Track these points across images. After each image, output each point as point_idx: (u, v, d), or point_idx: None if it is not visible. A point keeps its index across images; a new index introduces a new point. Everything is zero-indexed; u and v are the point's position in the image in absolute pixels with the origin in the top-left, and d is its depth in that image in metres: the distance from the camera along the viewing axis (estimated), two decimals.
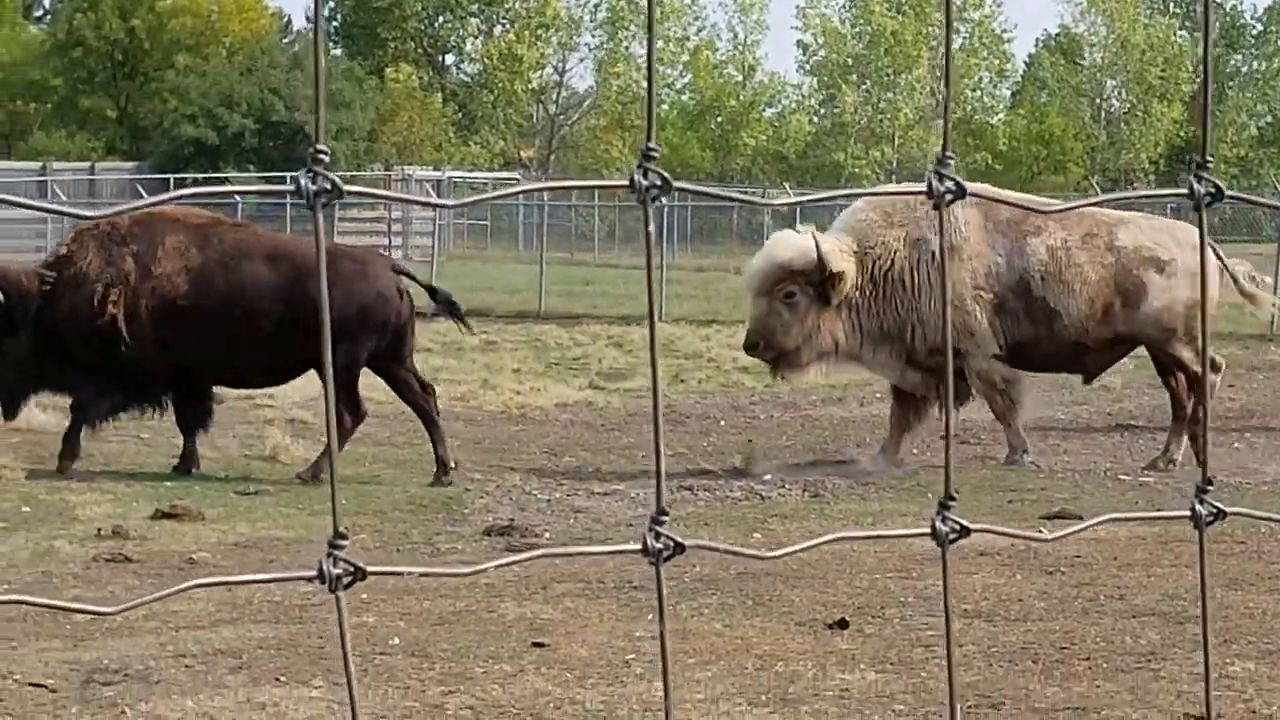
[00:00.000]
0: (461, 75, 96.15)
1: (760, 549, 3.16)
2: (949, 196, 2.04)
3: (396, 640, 11.00)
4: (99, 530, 14.86)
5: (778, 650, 10.90)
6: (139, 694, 9.84)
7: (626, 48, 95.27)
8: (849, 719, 9.46)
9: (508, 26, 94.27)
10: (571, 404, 24.19)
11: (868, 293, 18.56)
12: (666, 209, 45.98)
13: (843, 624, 11.55)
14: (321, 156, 1.82)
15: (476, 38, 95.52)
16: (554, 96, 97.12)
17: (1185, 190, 2.32)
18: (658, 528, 2.16)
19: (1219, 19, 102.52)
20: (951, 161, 2.06)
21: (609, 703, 9.74)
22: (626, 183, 1.96)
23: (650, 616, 11.82)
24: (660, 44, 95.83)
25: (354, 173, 71.13)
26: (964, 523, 2.32)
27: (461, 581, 12.01)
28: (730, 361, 29.29)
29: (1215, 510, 2.38)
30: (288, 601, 11.78)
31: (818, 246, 18.02)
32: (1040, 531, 14.07)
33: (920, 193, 2.04)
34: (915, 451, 19.54)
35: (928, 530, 2.35)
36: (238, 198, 44.53)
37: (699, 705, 9.68)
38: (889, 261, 18.54)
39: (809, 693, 9.94)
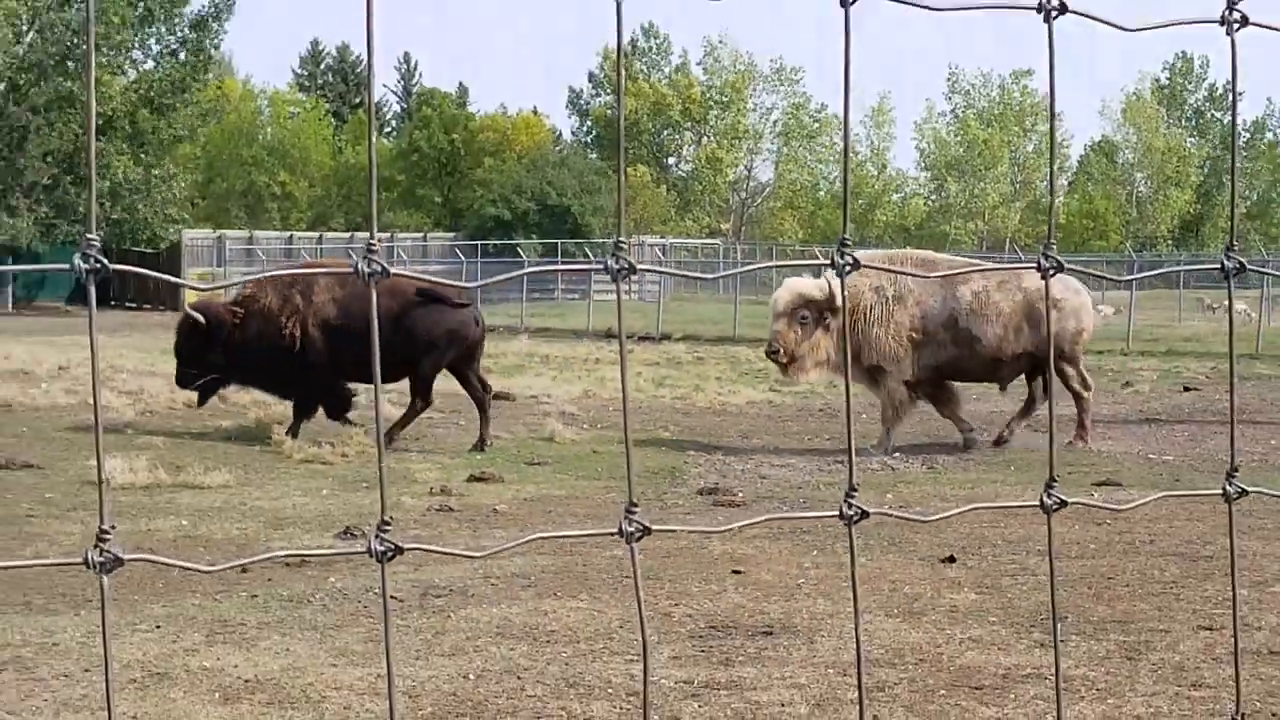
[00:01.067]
0: (679, 172, 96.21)
1: (910, 509, 3.17)
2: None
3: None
4: (430, 489, 14.99)
5: (904, 577, 10.83)
6: (459, 604, 9.92)
7: (795, 152, 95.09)
8: (956, 627, 9.37)
9: (711, 138, 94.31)
10: (757, 401, 24.16)
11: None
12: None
13: (951, 559, 11.46)
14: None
15: (690, 146, 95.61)
16: (744, 185, 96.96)
17: (1218, 265, 2.31)
18: (850, 498, 2.14)
19: (1219, 129, 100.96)
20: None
21: (786, 612, 9.71)
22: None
23: (815, 552, 11.78)
24: (820, 149, 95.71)
25: (603, 240, 71.43)
26: (1063, 496, 2.30)
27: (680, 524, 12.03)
28: None
29: (1240, 489, 2.35)
30: (560, 540, 11.84)
31: (830, 286, 18.29)
32: (1092, 496, 13.92)
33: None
34: (987, 434, 19.37)
35: (1036, 503, 2.33)
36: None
37: (850, 616, 9.63)
38: (857, 300, 18.71)
39: (928, 608, 9.87)
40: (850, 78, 2.07)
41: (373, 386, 19.56)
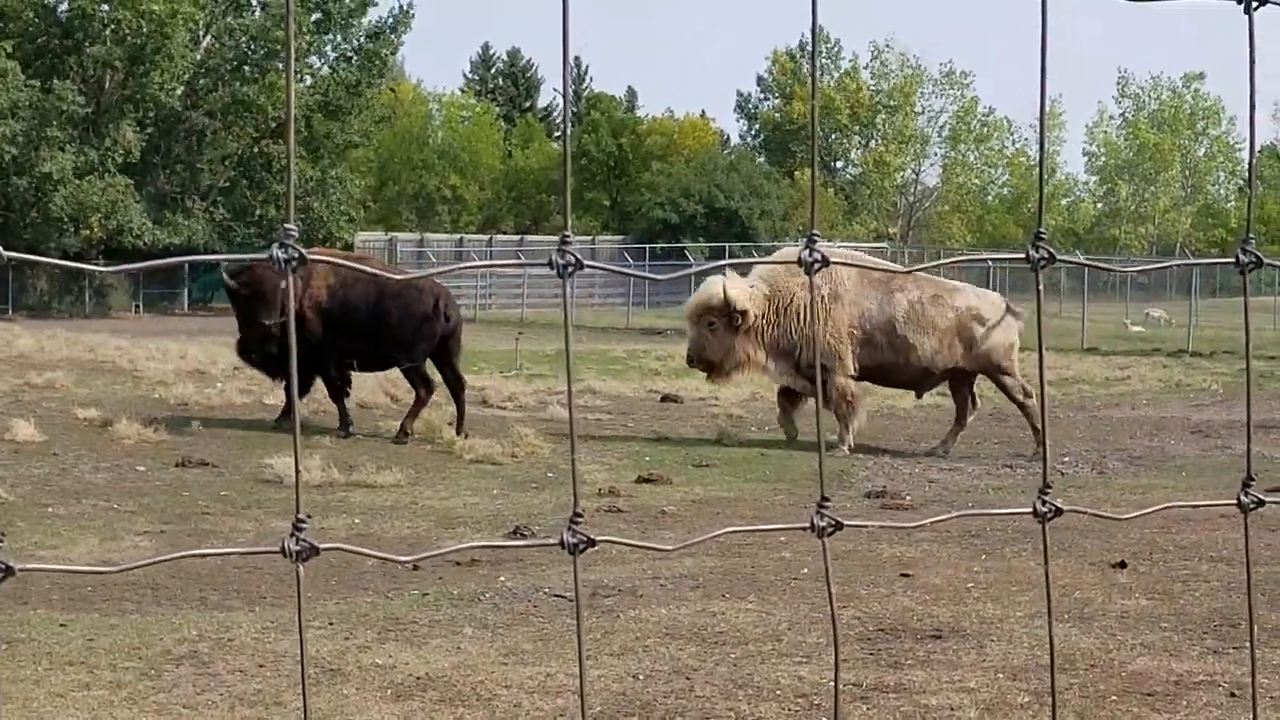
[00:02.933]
0: (847, 175, 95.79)
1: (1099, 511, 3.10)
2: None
3: (805, 570, 10.99)
4: (599, 489, 15.07)
5: (1075, 582, 10.69)
6: (628, 604, 9.96)
7: (963, 156, 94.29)
8: (1127, 633, 9.23)
9: (880, 142, 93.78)
10: (925, 405, 23.91)
11: (772, 321, 19.03)
12: (991, 268, 45.15)
13: (1122, 565, 11.30)
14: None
15: (858, 150, 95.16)
16: (911, 190, 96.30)
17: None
18: (1043, 496, 2.12)
19: None
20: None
21: (955, 616, 9.63)
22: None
23: (984, 556, 11.67)
24: (989, 152, 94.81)
25: (772, 243, 71.35)
26: (1262, 496, 2.25)
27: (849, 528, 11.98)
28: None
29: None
30: (727, 540, 11.83)
31: (725, 291, 18.63)
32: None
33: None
34: (1170, 444, 19.07)
35: (1233, 501, 2.28)
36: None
37: (1020, 620, 9.53)
38: (789, 299, 18.95)
39: (1098, 613, 9.74)
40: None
41: (373, 371, 19.70)
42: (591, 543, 1.93)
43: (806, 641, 8.96)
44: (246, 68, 62.60)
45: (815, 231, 2.06)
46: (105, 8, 58.14)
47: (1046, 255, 2.16)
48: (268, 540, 12.21)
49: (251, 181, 62.50)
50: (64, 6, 60.66)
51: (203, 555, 2.21)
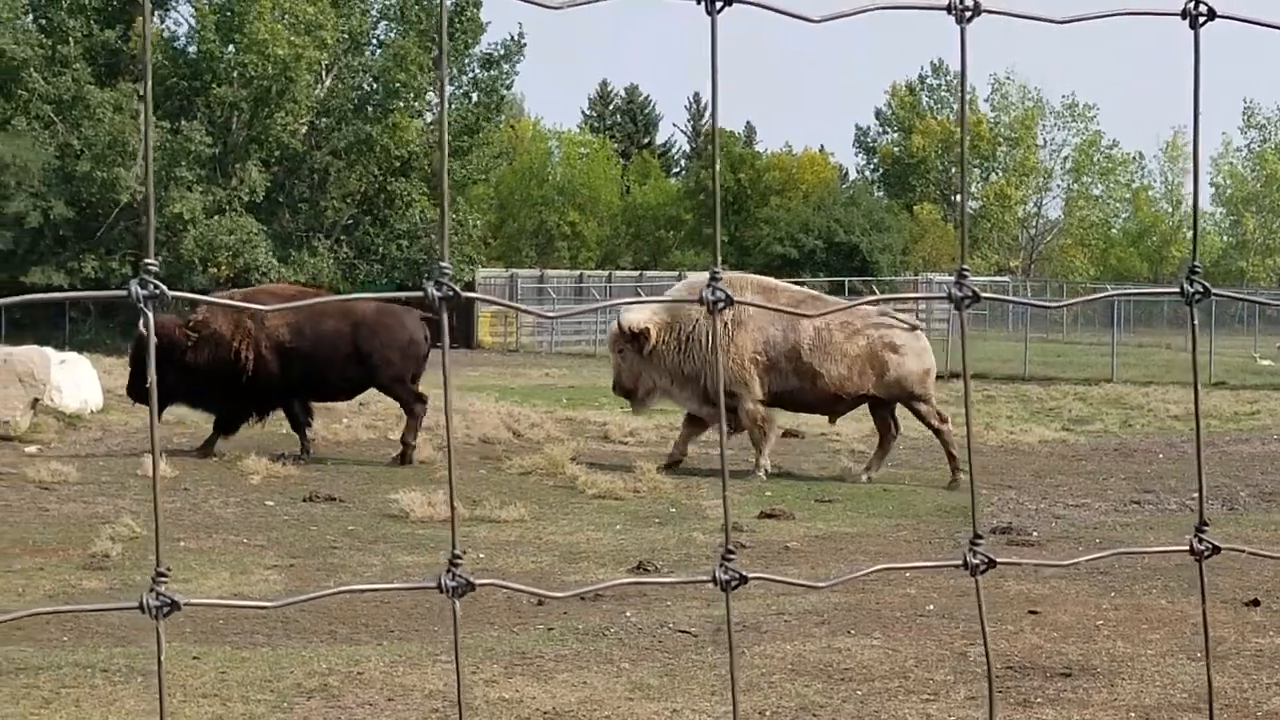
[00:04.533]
0: (967, 209, 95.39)
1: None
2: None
3: (931, 606, 10.92)
4: (720, 525, 15.04)
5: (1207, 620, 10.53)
6: (752, 640, 9.93)
7: (1085, 189, 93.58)
8: (1262, 672, 9.10)
9: (1000, 175, 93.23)
10: (1050, 440, 23.75)
11: (673, 348, 19.17)
12: (1117, 302, 44.74)
13: (1255, 603, 11.13)
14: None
15: (978, 183, 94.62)
16: (1033, 223, 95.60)
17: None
18: (1200, 534, 2.09)
19: None
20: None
21: (1085, 654, 9.53)
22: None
23: (1113, 594, 11.53)
24: (1114, 185, 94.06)
25: (891, 278, 71.12)
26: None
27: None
28: (1165, 411, 28.48)
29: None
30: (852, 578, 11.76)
31: (619, 321, 19.25)
32: None
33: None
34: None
35: None
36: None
37: (1151, 658, 9.42)
38: (692, 326, 19.07)
39: (1232, 652, 9.60)
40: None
41: (328, 400, 20.02)
42: (744, 579, 1.93)
43: (934, 679, 8.90)
44: (369, 107, 63.28)
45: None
46: (232, 50, 59.08)
47: (1201, 290, 2.14)
48: (397, 575, 12.32)
49: (375, 219, 63.13)
50: (192, 49, 61.71)
51: (361, 590, 2.24)
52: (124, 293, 1.79)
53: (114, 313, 58.69)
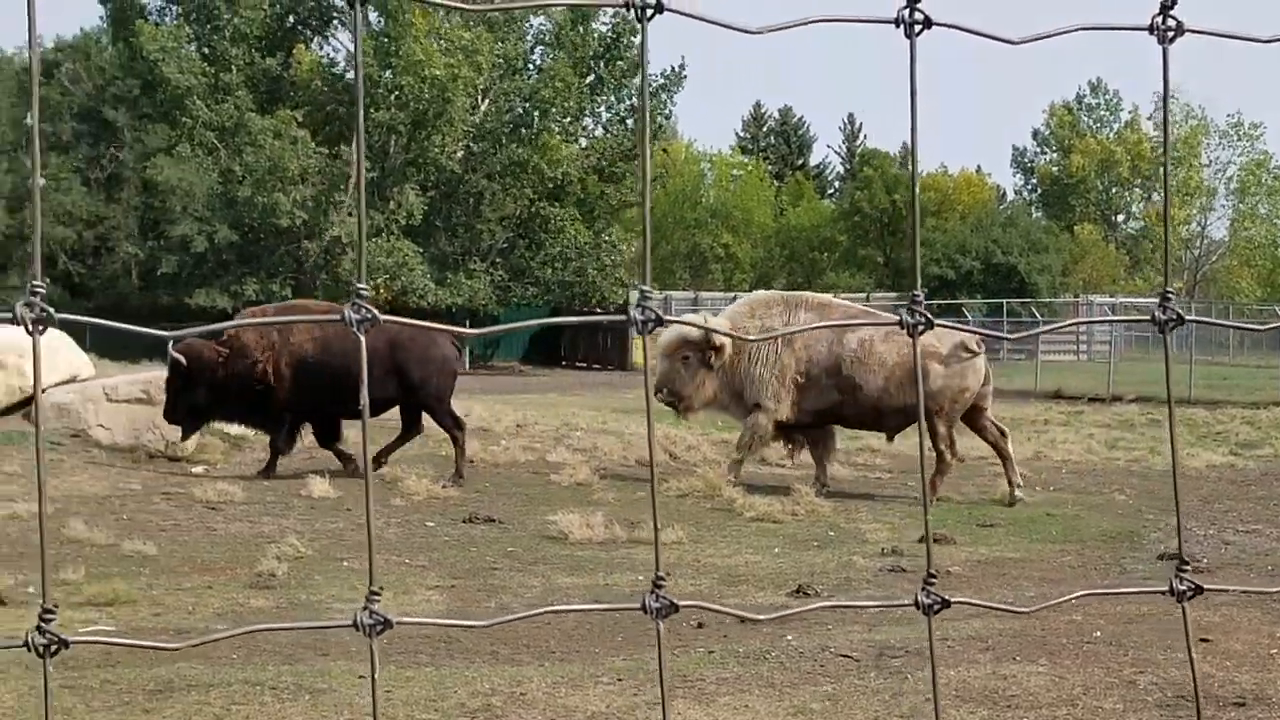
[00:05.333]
0: (1129, 229, 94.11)
1: None
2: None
3: (1098, 633, 10.79)
4: (881, 549, 14.96)
5: None
6: (915, 665, 9.86)
7: (1251, 209, 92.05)
8: None
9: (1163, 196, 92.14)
10: (1218, 465, 23.32)
11: (732, 361, 19.26)
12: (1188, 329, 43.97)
13: None
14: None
15: (1140, 203, 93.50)
16: (1197, 243, 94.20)
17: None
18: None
19: None
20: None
21: (1259, 683, 9.36)
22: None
23: None
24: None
25: (1050, 299, 70.36)
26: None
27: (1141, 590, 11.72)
28: None
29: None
30: (1016, 601, 11.65)
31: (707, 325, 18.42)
32: None
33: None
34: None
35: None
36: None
37: None
38: (743, 342, 18.93)
39: None
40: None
41: (355, 418, 20.15)
42: (946, 604, 1.93)
43: (1103, 707, 8.79)
44: (523, 130, 63.83)
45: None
46: (389, 74, 59.86)
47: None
48: (557, 597, 12.40)
49: (530, 242, 63.63)
50: (350, 74, 62.62)
51: (564, 611, 2.26)
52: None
53: None
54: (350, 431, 20.25)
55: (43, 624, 1.71)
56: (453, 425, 19.91)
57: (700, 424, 22.01)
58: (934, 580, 1.94)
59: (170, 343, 19.90)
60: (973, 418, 19.48)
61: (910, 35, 1.90)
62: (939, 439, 19.04)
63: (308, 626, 1.88)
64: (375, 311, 1.81)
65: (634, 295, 65.23)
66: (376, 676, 1.86)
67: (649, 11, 1.85)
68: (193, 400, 19.41)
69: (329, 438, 20.13)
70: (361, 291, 1.80)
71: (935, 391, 18.92)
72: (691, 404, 19.69)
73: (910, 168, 2.08)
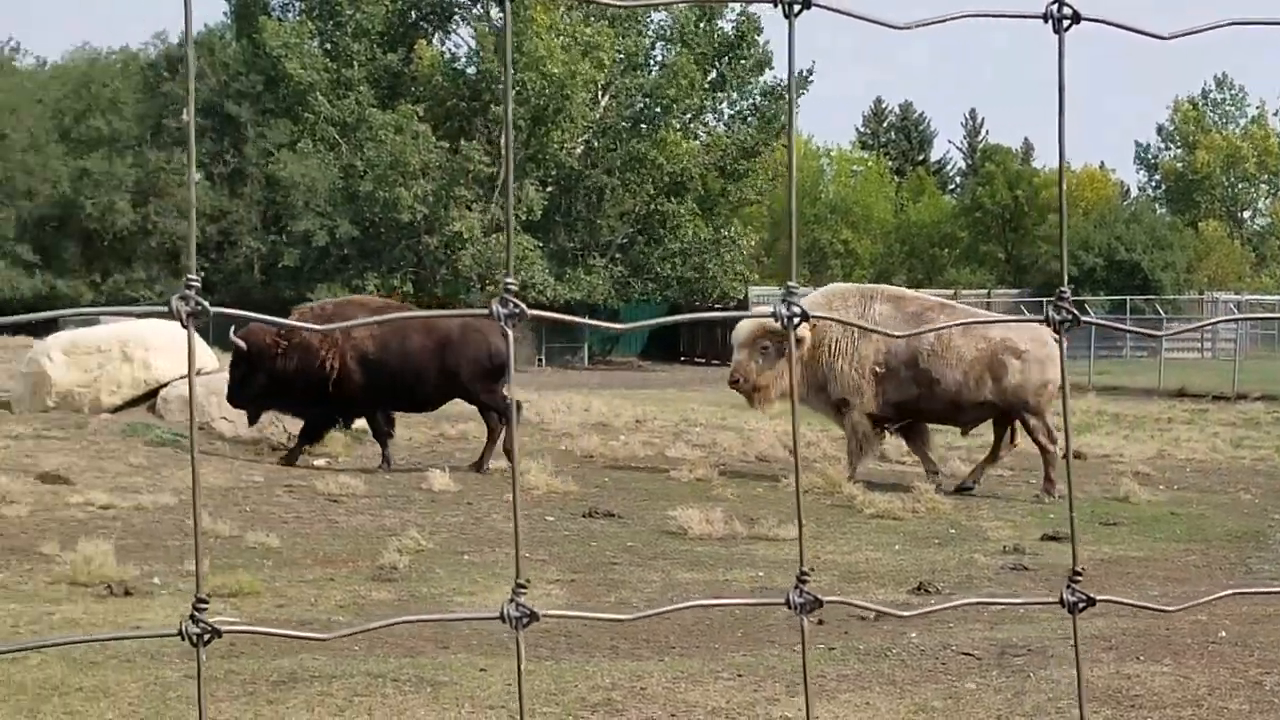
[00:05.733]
0: (1255, 226, 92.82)
1: None
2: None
3: (1223, 633, 10.65)
4: (1003, 547, 14.86)
5: None
6: (1038, 664, 9.78)
7: None
8: None
9: None
10: None
11: (812, 355, 19.18)
12: None
13: None
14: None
15: (1266, 199, 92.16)
16: None
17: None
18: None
19: None
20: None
21: None
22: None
23: None
24: None
25: (1174, 296, 69.54)
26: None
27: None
28: None
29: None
30: (1141, 599, 11.53)
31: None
32: None
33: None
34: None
35: None
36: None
37: None
38: (823, 334, 19.17)
39: None
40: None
41: (410, 411, 20.77)
42: (1091, 601, 1.91)
43: (1229, 708, 8.68)
44: (643, 125, 63.93)
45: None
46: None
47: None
48: (676, 592, 12.41)
49: (649, 238, 63.72)
50: (471, 70, 62.98)
51: (708, 605, 2.27)
52: (161, 308, 1.81)
53: None
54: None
55: (196, 613, 1.73)
56: (496, 419, 20.12)
57: (775, 414, 21.91)
58: (1080, 577, 1.92)
59: (232, 329, 20.69)
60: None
61: (1059, 30, 1.88)
62: (1036, 432, 19.14)
63: (456, 618, 1.90)
64: (524, 306, 1.82)
65: (754, 290, 65.06)
66: (523, 669, 1.87)
67: (796, 8, 1.85)
68: (254, 386, 19.92)
69: (383, 430, 20.44)
70: (509, 286, 1.81)
71: (1018, 386, 19.08)
72: (769, 394, 19.74)
73: (1058, 163, 2.06)
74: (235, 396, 20.15)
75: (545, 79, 58.59)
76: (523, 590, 1.86)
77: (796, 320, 2.00)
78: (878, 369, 19.31)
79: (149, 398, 22.52)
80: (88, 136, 63.91)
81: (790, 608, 1.82)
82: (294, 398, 20.03)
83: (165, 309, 1.73)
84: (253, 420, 20.66)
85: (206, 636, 1.75)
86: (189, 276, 1.73)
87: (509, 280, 1.81)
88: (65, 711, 8.41)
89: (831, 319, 2.34)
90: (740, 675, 9.42)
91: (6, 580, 12.35)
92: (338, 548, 14.28)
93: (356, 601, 11.85)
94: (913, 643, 10.38)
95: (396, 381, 19.87)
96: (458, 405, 21.13)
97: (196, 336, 1.71)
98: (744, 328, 19.69)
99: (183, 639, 1.76)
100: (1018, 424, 19.46)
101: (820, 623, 11.03)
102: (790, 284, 1.99)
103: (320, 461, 20.10)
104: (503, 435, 19.87)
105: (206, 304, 1.72)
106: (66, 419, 20.86)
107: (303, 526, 15.42)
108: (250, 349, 19.73)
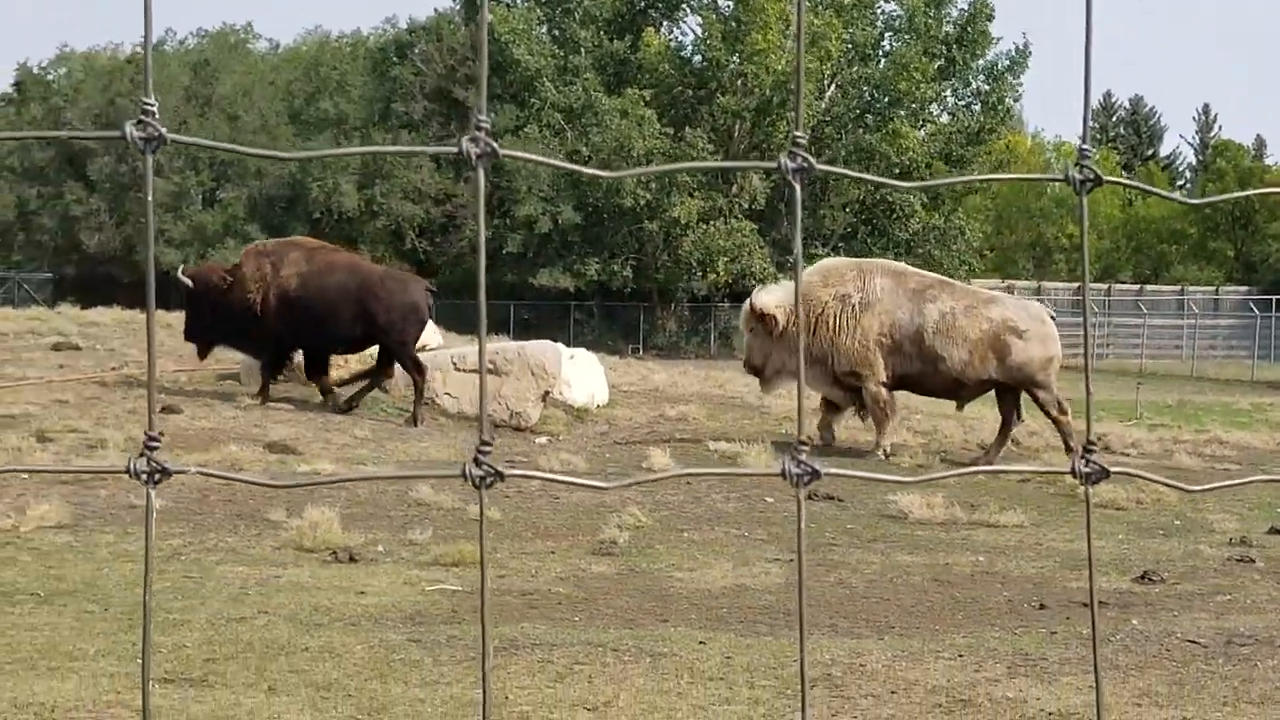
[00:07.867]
0: None
1: None
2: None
3: None
4: (1229, 539, 14.50)
5: None
6: (1265, 653, 9.59)
7: None
8: None
9: None
10: None
11: (807, 332, 18.81)
12: None
13: None
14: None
15: None
16: None
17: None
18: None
19: None
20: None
21: None
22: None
23: None
24: None
25: None
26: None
27: None
28: None
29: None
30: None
31: (751, 301, 19.51)
32: None
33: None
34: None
35: None
36: None
37: None
38: (820, 309, 19.18)
39: None
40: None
41: (335, 353, 21.13)
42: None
43: None
44: (869, 116, 63.57)
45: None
46: (736, 60, 60.16)
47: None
48: (896, 574, 12.36)
49: (873, 228, 63.36)
50: (697, 58, 63.12)
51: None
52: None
53: (617, 314, 60.36)
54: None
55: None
56: (414, 369, 20.44)
57: (781, 395, 21.95)
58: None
59: (180, 267, 21.72)
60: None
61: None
62: (1048, 405, 19.57)
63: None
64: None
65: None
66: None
67: None
68: (202, 323, 20.86)
69: (316, 371, 21.02)
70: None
71: (1024, 363, 19.40)
72: (766, 375, 19.98)
73: None
74: (188, 331, 21.28)
75: (768, 73, 58.55)
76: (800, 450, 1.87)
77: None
78: (884, 339, 19.44)
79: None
80: (316, 119, 65.27)
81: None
82: (235, 332, 20.79)
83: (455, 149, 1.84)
84: (202, 355, 21.69)
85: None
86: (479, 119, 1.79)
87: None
88: (291, 670, 8.61)
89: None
90: (961, 655, 9.36)
91: (236, 545, 12.68)
92: (558, 522, 14.45)
93: (576, 574, 11.97)
94: (1136, 629, 10.22)
95: (312, 318, 20.36)
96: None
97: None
98: (742, 314, 20.07)
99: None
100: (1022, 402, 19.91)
101: (1042, 607, 10.95)
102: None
103: (542, 439, 20.30)
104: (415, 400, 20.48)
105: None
106: (293, 391, 21.34)
107: (524, 500, 15.61)
108: (196, 285, 20.76)
